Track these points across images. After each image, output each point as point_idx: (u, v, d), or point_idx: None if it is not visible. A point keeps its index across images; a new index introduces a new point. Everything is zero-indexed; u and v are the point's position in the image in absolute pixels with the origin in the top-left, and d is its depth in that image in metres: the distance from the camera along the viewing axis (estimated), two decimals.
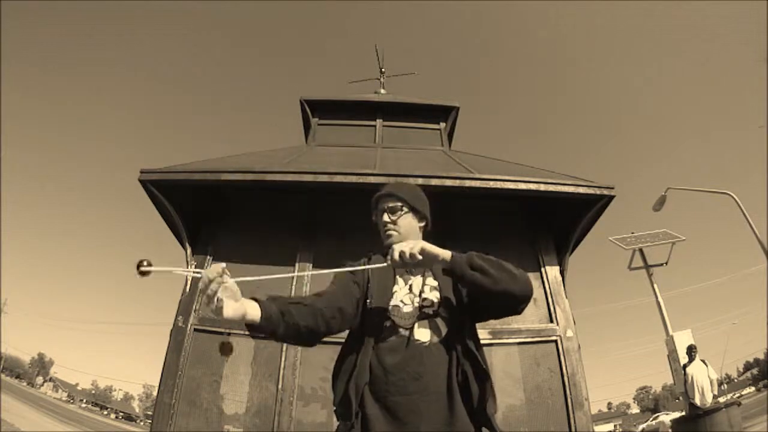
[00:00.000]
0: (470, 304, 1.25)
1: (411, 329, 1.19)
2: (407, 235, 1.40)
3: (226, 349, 1.07)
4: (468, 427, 1.09)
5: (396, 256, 1.14)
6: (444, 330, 1.20)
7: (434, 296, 1.26)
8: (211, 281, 0.97)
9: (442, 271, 1.23)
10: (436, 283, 1.29)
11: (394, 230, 1.39)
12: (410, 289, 1.29)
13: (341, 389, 1.19)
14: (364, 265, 1.38)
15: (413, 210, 1.43)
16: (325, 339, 3.66)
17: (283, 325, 1.11)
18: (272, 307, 1.09)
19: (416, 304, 1.24)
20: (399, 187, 1.48)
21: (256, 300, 1.08)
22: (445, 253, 1.18)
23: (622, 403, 69.46)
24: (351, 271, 1.31)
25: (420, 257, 1.15)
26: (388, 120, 6.24)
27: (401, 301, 1.26)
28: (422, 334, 1.19)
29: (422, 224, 1.47)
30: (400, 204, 1.42)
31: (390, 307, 1.25)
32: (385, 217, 1.41)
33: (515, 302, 1.19)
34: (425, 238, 1.49)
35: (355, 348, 1.23)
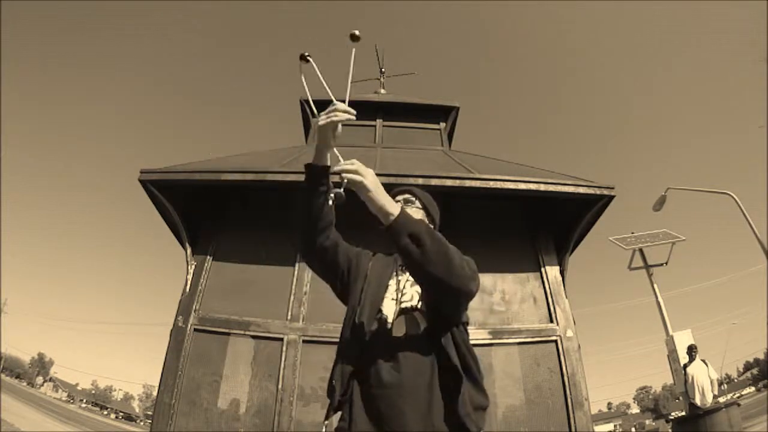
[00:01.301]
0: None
1: (392, 323, 1.21)
2: None
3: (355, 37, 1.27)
4: (442, 426, 1.07)
5: (346, 168, 1.12)
6: (422, 326, 1.20)
7: (414, 291, 1.27)
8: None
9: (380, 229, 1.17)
10: None
11: None
12: (397, 284, 1.31)
13: (331, 374, 1.21)
14: (371, 259, 1.39)
15: (425, 209, 1.47)
16: (325, 339, 3.65)
17: (331, 199, 1.19)
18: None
19: (397, 299, 1.26)
20: (417, 189, 1.53)
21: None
22: (392, 208, 1.11)
23: (622, 403, 69.44)
24: None
25: (355, 186, 1.12)
26: (388, 120, 6.24)
27: (390, 296, 1.29)
28: (399, 329, 1.20)
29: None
30: (414, 198, 1.48)
31: (382, 301, 1.27)
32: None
33: (446, 294, 1.12)
34: None
35: (349, 336, 1.24)
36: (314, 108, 1.42)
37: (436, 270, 1.07)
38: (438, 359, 1.15)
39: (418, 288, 1.27)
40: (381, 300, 1.27)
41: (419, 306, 1.23)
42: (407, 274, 1.33)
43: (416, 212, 1.45)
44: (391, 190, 1.57)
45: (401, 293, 1.28)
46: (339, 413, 1.17)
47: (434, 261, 1.06)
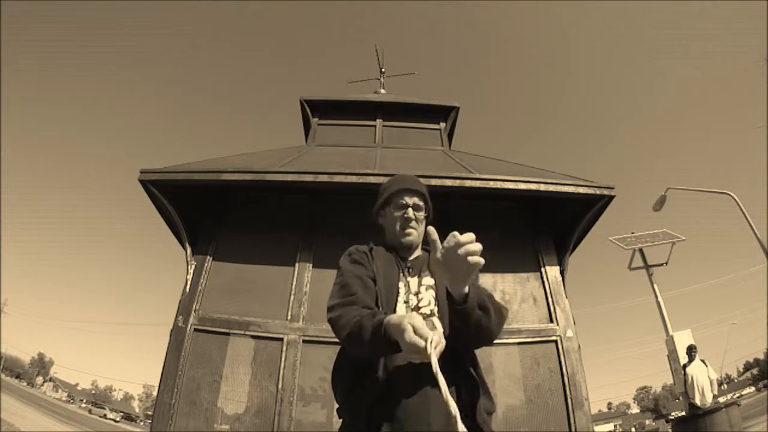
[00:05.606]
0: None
1: None
2: (419, 238, 1.40)
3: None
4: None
5: (426, 346, 0.90)
6: (439, 330, 1.16)
7: (430, 295, 1.24)
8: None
9: (447, 297, 1.10)
10: (432, 282, 1.27)
11: (415, 230, 1.38)
12: (408, 287, 1.27)
13: (348, 385, 1.17)
14: (367, 255, 1.34)
15: (428, 209, 1.44)
16: (326, 339, 3.65)
17: None
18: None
19: (412, 304, 1.23)
20: (419, 183, 1.45)
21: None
22: (464, 287, 1.06)
23: (622, 403, 69.41)
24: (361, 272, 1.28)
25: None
26: (388, 120, 6.24)
27: (403, 300, 1.25)
28: None
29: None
30: (424, 205, 1.41)
31: (395, 307, 1.23)
32: (410, 213, 1.37)
33: (488, 344, 1.19)
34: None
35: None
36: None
37: (495, 333, 1.15)
38: (455, 366, 1.14)
39: (433, 292, 1.25)
40: (394, 306, 1.23)
41: (435, 310, 1.21)
42: (416, 277, 1.29)
43: (424, 223, 1.40)
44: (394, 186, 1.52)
45: (417, 297, 1.24)
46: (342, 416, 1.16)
47: (496, 326, 1.14)
